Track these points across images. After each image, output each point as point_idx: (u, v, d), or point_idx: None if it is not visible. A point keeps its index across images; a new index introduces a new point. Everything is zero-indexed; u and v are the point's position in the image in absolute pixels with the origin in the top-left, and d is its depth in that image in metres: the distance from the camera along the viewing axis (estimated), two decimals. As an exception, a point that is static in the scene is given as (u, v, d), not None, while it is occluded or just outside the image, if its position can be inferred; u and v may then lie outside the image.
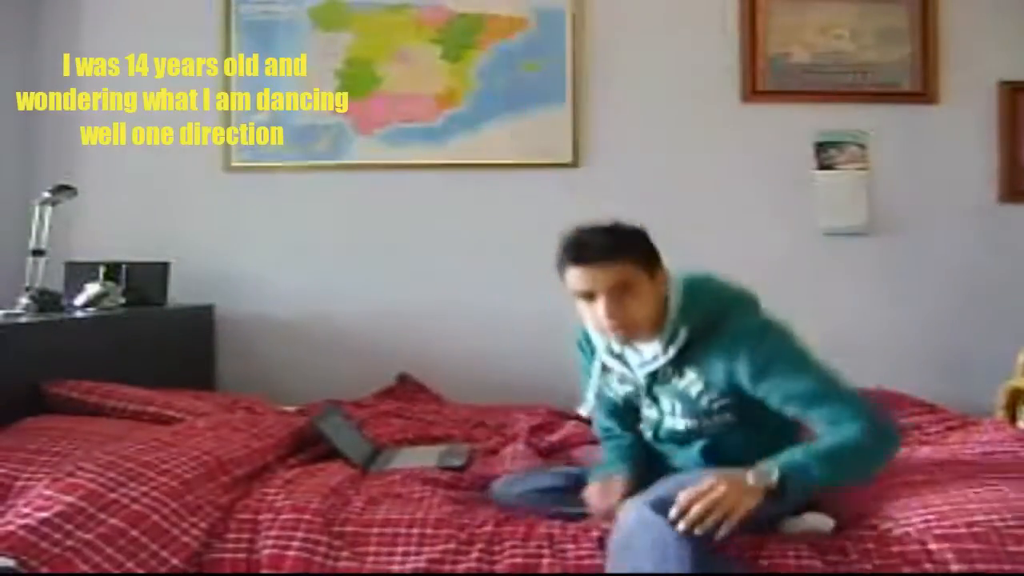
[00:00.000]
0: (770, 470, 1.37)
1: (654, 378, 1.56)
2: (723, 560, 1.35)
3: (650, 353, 1.55)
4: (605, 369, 1.64)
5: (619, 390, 1.64)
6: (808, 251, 2.98)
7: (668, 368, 1.54)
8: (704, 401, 1.53)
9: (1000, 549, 1.35)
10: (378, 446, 2.03)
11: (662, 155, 3.00)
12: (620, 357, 1.61)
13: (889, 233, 2.98)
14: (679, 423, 1.57)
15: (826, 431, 1.43)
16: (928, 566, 1.35)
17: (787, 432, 1.57)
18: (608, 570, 1.34)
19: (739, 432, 1.54)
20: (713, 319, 1.51)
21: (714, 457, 1.54)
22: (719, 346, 1.48)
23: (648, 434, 1.65)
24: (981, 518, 1.41)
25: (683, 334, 1.51)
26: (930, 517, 1.44)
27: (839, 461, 1.40)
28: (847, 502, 1.58)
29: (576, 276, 1.49)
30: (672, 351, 1.52)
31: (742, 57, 2.98)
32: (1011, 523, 1.39)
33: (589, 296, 1.49)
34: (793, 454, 1.40)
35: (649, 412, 1.62)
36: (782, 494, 1.37)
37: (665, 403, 1.58)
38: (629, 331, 1.50)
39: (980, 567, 1.33)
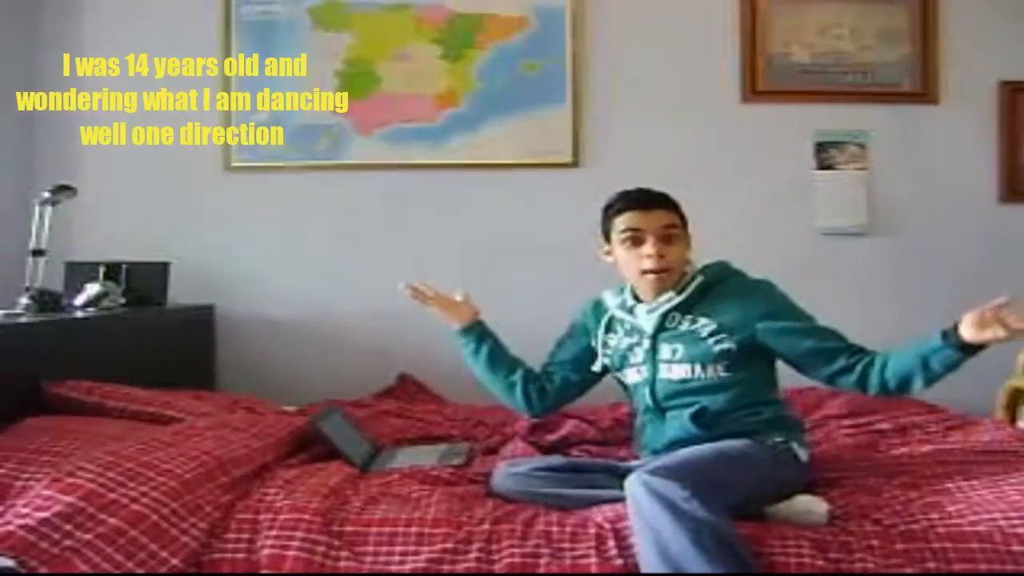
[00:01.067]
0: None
1: (662, 325, 1.72)
2: (730, 524, 1.37)
3: (663, 299, 1.73)
4: (609, 329, 1.81)
5: (620, 344, 1.78)
6: (808, 251, 2.98)
7: (677, 313, 1.72)
8: (711, 342, 1.67)
9: (1003, 549, 1.36)
10: (378, 446, 2.03)
11: (662, 155, 2.99)
12: (631, 311, 1.78)
13: (889, 233, 2.98)
14: (674, 371, 1.70)
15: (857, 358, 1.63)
16: (931, 565, 1.35)
17: (770, 404, 1.71)
18: (638, 548, 1.37)
19: (727, 394, 1.66)
20: (723, 276, 1.76)
21: (704, 423, 1.64)
22: (734, 293, 1.72)
23: (646, 400, 1.74)
24: (984, 517, 1.42)
25: (697, 281, 1.73)
26: (934, 516, 1.44)
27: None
28: (849, 499, 1.59)
29: (633, 217, 1.72)
30: (686, 293, 1.72)
31: (742, 57, 2.98)
32: (1015, 522, 1.40)
33: (637, 240, 1.71)
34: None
35: (643, 371, 1.74)
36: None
37: (665, 350, 1.71)
38: (666, 271, 1.71)
39: (983, 567, 1.34)
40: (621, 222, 1.73)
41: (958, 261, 2.97)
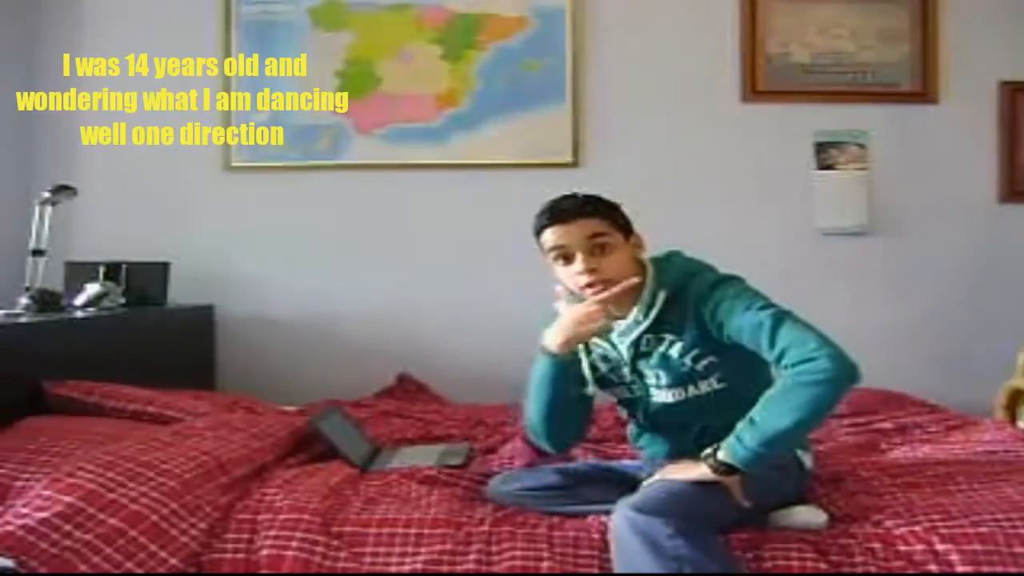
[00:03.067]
0: (712, 461, 1.39)
1: (637, 350, 1.58)
2: (719, 552, 1.34)
3: (630, 322, 1.58)
4: (588, 351, 1.64)
5: (602, 366, 1.64)
6: (808, 251, 2.98)
7: (649, 336, 1.57)
8: (687, 361, 1.54)
9: (1006, 550, 1.35)
10: (378, 446, 2.03)
11: (662, 155, 3.00)
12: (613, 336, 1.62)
13: (889, 233, 2.98)
14: (666, 395, 1.58)
15: (777, 375, 1.44)
16: (933, 567, 1.35)
17: None
18: None
19: (729, 407, 1.48)
20: (684, 282, 1.55)
21: (708, 443, 1.49)
22: (691, 302, 1.52)
23: (644, 422, 1.66)
24: (987, 518, 1.41)
25: (661, 297, 1.55)
26: (935, 517, 1.44)
27: (786, 402, 1.37)
28: (849, 500, 1.59)
29: (553, 234, 1.55)
30: (652, 314, 1.55)
31: (742, 57, 2.98)
32: (1017, 524, 1.39)
33: (566, 257, 1.55)
34: (737, 437, 1.38)
35: (637, 394, 1.63)
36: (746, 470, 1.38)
37: (650, 376, 1.59)
38: (605, 286, 1.53)
39: (985, 569, 1.33)
40: (546, 240, 1.56)
41: (958, 261, 2.97)
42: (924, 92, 2.97)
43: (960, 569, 1.34)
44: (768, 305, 1.49)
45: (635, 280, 1.55)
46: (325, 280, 3.02)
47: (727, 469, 1.38)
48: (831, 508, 1.56)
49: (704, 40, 3.00)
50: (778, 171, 2.99)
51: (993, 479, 1.63)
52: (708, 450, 1.41)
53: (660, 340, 1.56)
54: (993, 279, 2.96)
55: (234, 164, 3.03)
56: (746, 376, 1.54)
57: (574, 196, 1.58)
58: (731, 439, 1.38)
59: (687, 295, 1.53)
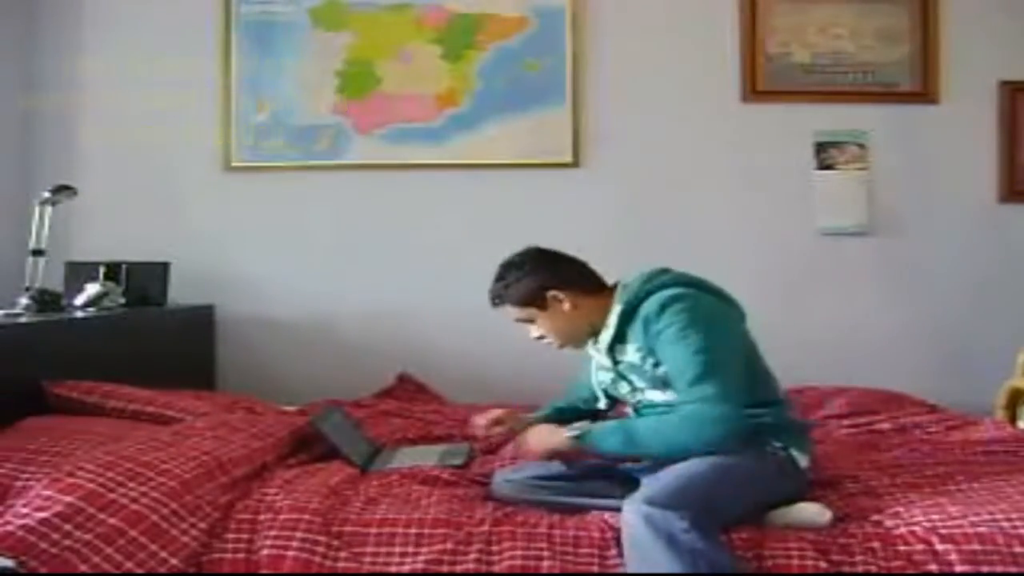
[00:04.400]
0: (575, 431, 1.61)
1: (614, 358, 1.69)
2: (725, 547, 1.37)
3: (601, 336, 1.71)
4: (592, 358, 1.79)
5: (602, 379, 1.76)
6: (808, 251, 2.98)
7: (616, 345, 1.68)
8: (648, 366, 1.62)
9: (1006, 550, 1.35)
10: (378, 446, 2.03)
11: (662, 155, 3.00)
12: (597, 348, 1.74)
13: (889, 233, 2.98)
14: (650, 395, 1.66)
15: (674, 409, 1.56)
16: (933, 567, 1.35)
17: (764, 407, 1.60)
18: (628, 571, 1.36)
19: None
20: (641, 297, 1.64)
21: None
22: (641, 319, 1.62)
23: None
24: (986, 518, 1.41)
25: (617, 311, 1.66)
26: (935, 517, 1.44)
27: (646, 438, 1.55)
28: (849, 500, 1.59)
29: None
30: (612, 327, 1.67)
31: (742, 57, 2.98)
32: (1017, 524, 1.39)
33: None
34: (608, 424, 1.62)
35: (628, 396, 1.72)
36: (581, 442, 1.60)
37: (633, 379, 1.68)
38: (560, 344, 1.74)
39: (985, 568, 1.33)
40: None
41: (958, 261, 2.97)
42: (924, 92, 2.97)
43: (959, 569, 1.34)
44: (700, 351, 1.53)
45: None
46: (325, 280, 3.02)
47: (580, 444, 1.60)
48: (832, 508, 1.56)
49: (704, 40, 3.00)
50: (778, 171, 2.99)
51: (993, 479, 1.64)
52: (576, 431, 1.60)
53: (624, 349, 1.67)
54: (993, 279, 2.96)
55: (234, 164, 3.03)
56: None
57: (494, 284, 1.74)
58: (604, 432, 1.59)
59: (639, 312, 1.62)
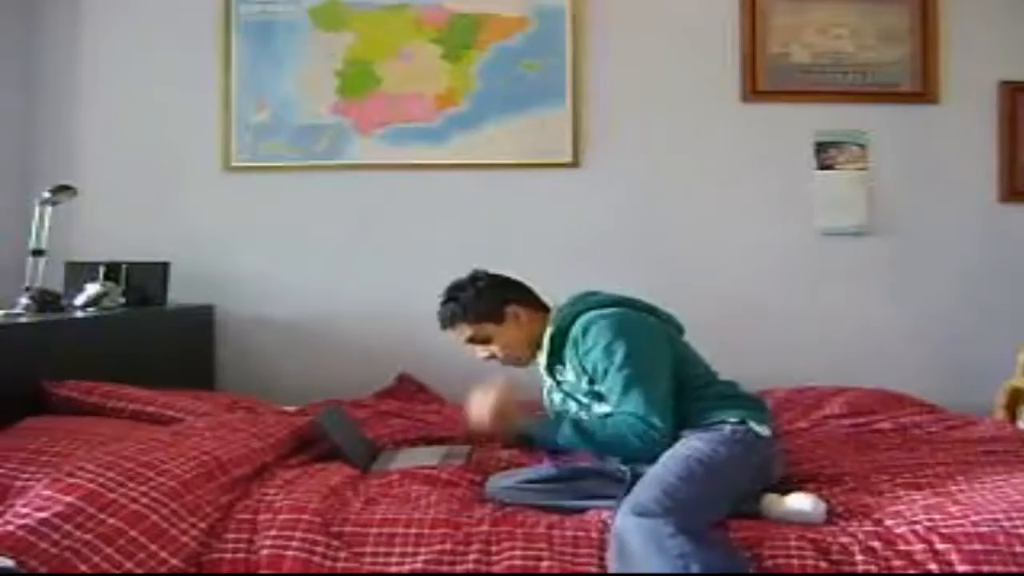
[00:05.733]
0: (528, 424, 1.73)
1: (556, 379, 1.80)
2: (718, 544, 1.37)
3: (542, 361, 1.81)
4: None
5: (554, 398, 1.85)
6: (808, 251, 2.98)
7: (555, 366, 1.78)
8: (584, 383, 1.71)
9: (1006, 550, 1.35)
10: (378, 446, 2.03)
11: (662, 155, 3.00)
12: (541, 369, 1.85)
13: (889, 233, 2.98)
14: (596, 408, 1.72)
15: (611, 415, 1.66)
16: (933, 566, 1.35)
17: (705, 390, 1.70)
18: None
19: None
20: (569, 320, 1.75)
21: None
22: (570, 341, 1.73)
23: None
24: (987, 518, 1.41)
25: (547, 334, 1.77)
26: (935, 517, 1.44)
27: (592, 437, 1.65)
28: (850, 500, 1.59)
29: (451, 335, 1.85)
30: (545, 350, 1.77)
31: (742, 57, 2.98)
32: (1017, 523, 1.39)
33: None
34: (563, 420, 1.70)
35: (578, 413, 1.78)
36: (534, 440, 1.74)
37: (578, 396, 1.76)
38: (509, 362, 1.83)
39: (985, 568, 1.33)
40: None
41: (958, 261, 2.97)
42: (924, 92, 2.97)
43: (960, 568, 1.34)
44: (623, 365, 1.63)
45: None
46: (325, 280, 3.02)
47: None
48: (831, 507, 1.56)
49: (704, 40, 3.00)
50: (778, 171, 2.99)
51: (993, 479, 1.63)
52: (534, 425, 1.72)
53: (562, 370, 1.77)
54: (993, 279, 2.96)
55: (234, 164, 3.02)
56: None
57: (444, 300, 1.84)
58: (563, 430, 1.66)
59: (569, 334, 1.73)
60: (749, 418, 1.65)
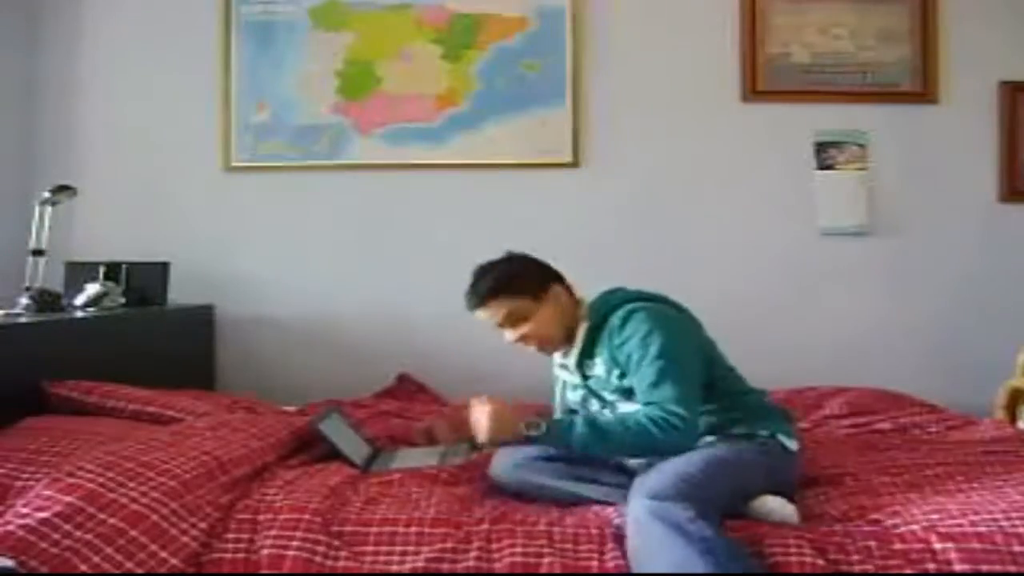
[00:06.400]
0: (539, 424, 1.58)
1: (583, 373, 1.72)
2: (734, 544, 1.37)
3: (573, 351, 1.73)
4: (559, 378, 1.84)
5: (572, 397, 1.79)
6: (808, 251, 2.98)
7: (584, 361, 1.71)
8: (615, 378, 1.66)
9: (1005, 549, 1.35)
10: (378, 446, 2.03)
11: (662, 155, 3.00)
12: (564, 367, 1.79)
13: (889, 233, 2.98)
14: (621, 407, 1.68)
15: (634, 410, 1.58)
16: (931, 566, 1.35)
17: (738, 400, 1.67)
18: (634, 570, 1.36)
19: None
20: (607, 313, 1.69)
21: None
22: (606, 333, 1.66)
23: None
24: (986, 518, 1.41)
25: (584, 328, 1.70)
26: (934, 516, 1.44)
27: (609, 436, 1.55)
28: (849, 499, 1.59)
29: (481, 316, 1.73)
30: (579, 344, 1.71)
31: (742, 57, 2.98)
32: (1016, 523, 1.39)
33: (502, 328, 1.72)
34: (576, 420, 1.59)
35: (603, 409, 1.73)
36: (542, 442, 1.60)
37: (604, 393, 1.71)
38: (540, 346, 1.73)
39: (984, 568, 1.33)
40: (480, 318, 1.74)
41: (958, 261, 2.97)
42: (924, 92, 2.97)
43: (959, 568, 1.34)
44: (659, 356, 1.58)
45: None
46: (325, 280, 3.02)
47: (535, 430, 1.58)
48: (830, 507, 1.57)
49: (704, 40, 3.00)
50: (778, 171, 2.99)
51: (992, 479, 1.64)
52: (535, 429, 1.57)
53: (592, 364, 1.71)
54: (993, 279, 2.96)
55: (234, 164, 3.03)
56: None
57: (478, 276, 1.73)
58: (575, 430, 1.55)
59: (604, 327, 1.67)
60: (779, 431, 1.64)
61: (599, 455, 1.62)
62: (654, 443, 1.52)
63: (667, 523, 1.33)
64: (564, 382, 1.84)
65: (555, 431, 1.59)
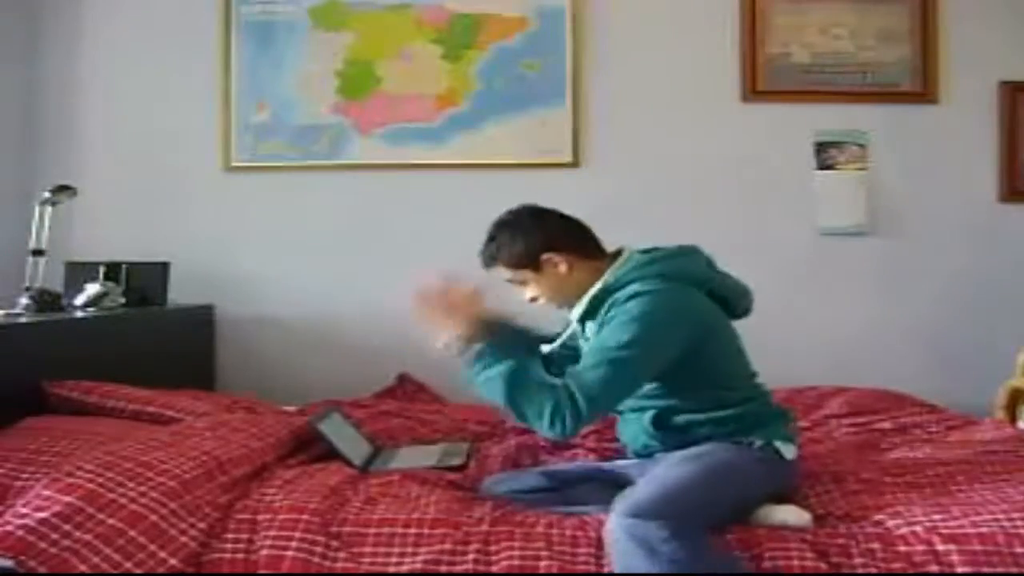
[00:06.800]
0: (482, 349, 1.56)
1: (583, 332, 1.67)
2: (713, 552, 1.36)
3: (576, 307, 1.66)
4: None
5: (582, 346, 1.70)
6: (808, 251, 2.98)
7: (590, 322, 1.63)
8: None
9: (1006, 550, 1.35)
10: (378, 446, 2.03)
11: (662, 155, 3.00)
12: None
13: (889, 233, 2.97)
14: None
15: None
16: (934, 567, 1.35)
17: (736, 400, 1.61)
18: None
19: (675, 397, 1.60)
20: (622, 282, 1.59)
21: (667, 427, 1.61)
22: (610, 302, 1.58)
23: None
24: (987, 518, 1.41)
25: (595, 288, 1.62)
26: (935, 517, 1.44)
27: (511, 391, 1.50)
28: (849, 500, 1.59)
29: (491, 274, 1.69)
30: (583, 304, 1.63)
31: (742, 57, 2.98)
32: (1017, 523, 1.39)
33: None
34: (512, 359, 1.53)
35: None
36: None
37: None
38: (555, 305, 1.68)
39: (986, 569, 1.33)
40: None
41: (958, 261, 2.96)
42: (924, 92, 2.97)
43: (961, 569, 1.34)
44: (621, 346, 1.50)
45: None
46: (325, 280, 3.02)
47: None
48: (832, 508, 1.56)
49: (704, 40, 3.00)
50: (778, 171, 2.99)
51: (993, 479, 1.63)
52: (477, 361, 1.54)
53: (589, 326, 1.64)
54: (993, 279, 2.96)
55: (234, 164, 3.03)
56: (678, 374, 1.57)
57: (488, 237, 1.70)
58: (497, 367, 1.51)
59: (613, 294, 1.58)
60: (775, 438, 1.60)
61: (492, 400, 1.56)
62: (538, 425, 1.49)
63: (638, 542, 1.30)
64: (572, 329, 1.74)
65: (479, 359, 1.55)
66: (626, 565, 1.32)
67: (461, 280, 1.66)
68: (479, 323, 1.60)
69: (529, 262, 1.65)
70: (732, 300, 1.71)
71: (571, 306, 1.67)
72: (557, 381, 1.51)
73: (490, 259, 1.68)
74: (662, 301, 1.54)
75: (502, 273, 1.68)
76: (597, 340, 1.55)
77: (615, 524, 1.35)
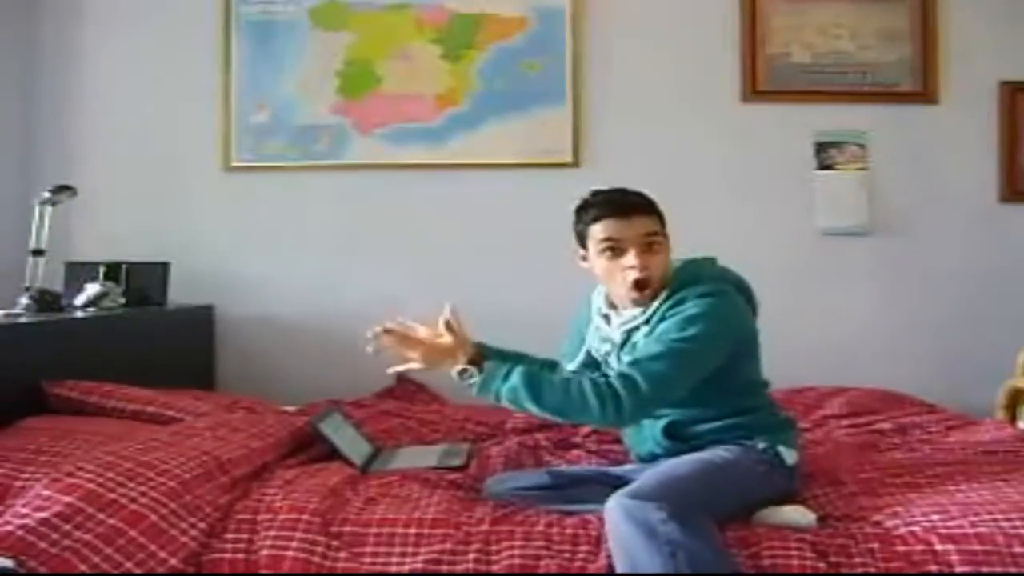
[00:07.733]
0: (472, 373, 1.54)
1: (628, 336, 1.63)
2: (713, 539, 1.35)
3: (632, 314, 1.63)
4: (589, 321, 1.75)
5: (600, 348, 1.72)
6: (808, 251, 2.98)
7: (645, 326, 1.61)
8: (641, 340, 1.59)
9: (1006, 550, 1.35)
10: (378, 446, 2.03)
11: (662, 155, 2.99)
12: (607, 318, 1.69)
13: (889, 233, 2.97)
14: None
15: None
16: (933, 567, 1.35)
17: (749, 409, 1.62)
18: (618, 570, 1.36)
19: (695, 406, 1.59)
20: (689, 284, 1.59)
21: (678, 436, 1.61)
22: (683, 291, 1.57)
23: None
24: (986, 518, 1.41)
25: (663, 295, 1.60)
26: (935, 517, 1.44)
27: (542, 399, 1.48)
28: (849, 500, 1.59)
29: (613, 226, 1.60)
30: (651, 310, 1.60)
31: (742, 57, 2.98)
32: (1017, 524, 1.39)
33: (617, 251, 1.59)
34: (513, 371, 1.51)
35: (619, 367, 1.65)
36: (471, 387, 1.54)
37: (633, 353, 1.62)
38: (649, 283, 1.59)
39: (985, 569, 1.33)
40: (599, 230, 1.61)
41: (958, 261, 2.96)
42: (924, 92, 2.97)
43: (959, 569, 1.34)
44: (677, 340, 1.51)
45: None
46: (325, 280, 3.02)
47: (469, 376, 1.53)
48: (831, 508, 1.56)
49: (704, 40, 3.00)
50: (778, 171, 2.99)
51: (993, 479, 1.63)
52: (472, 372, 1.53)
53: (644, 333, 1.60)
54: (993, 279, 2.96)
55: (234, 164, 3.03)
56: (708, 381, 1.56)
57: (630, 192, 1.63)
58: (507, 383, 1.49)
59: (684, 301, 1.56)
60: (779, 443, 1.60)
61: (526, 411, 1.53)
62: (587, 414, 1.48)
63: (636, 522, 1.31)
64: (596, 328, 1.72)
65: (487, 379, 1.52)
66: (624, 546, 1.32)
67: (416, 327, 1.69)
68: (465, 347, 1.61)
69: (664, 226, 1.64)
70: (753, 307, 1.73)
71: (652, 293, 1.61)
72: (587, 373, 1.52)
73: (648, 204, 1.62)
74: (727, 303, 1.58)
75: (651, 223, 1.61)
76: (659, 331, 1.54)
77: (614, 505, 1.36)
